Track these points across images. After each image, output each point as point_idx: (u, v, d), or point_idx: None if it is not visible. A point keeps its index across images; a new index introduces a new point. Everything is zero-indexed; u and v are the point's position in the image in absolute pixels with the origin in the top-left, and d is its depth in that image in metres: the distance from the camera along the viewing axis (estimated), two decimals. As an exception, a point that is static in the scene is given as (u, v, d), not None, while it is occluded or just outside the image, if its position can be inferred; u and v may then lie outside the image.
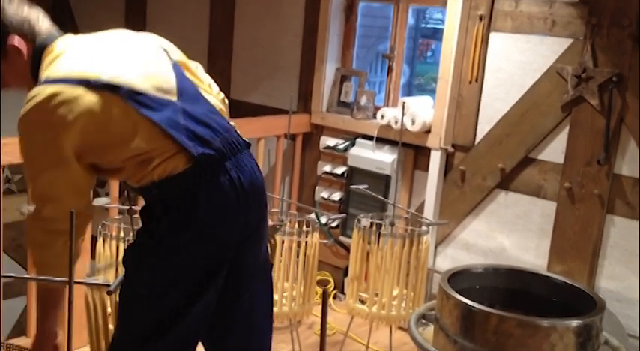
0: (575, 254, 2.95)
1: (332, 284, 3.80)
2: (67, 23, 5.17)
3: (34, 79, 1.69)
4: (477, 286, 2.49)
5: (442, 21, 3.43)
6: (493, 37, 3.12)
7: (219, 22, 4.27)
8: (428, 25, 5.12)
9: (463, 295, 2.27)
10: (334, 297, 3.76)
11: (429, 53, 5.37)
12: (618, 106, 2.77)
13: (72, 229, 1.19)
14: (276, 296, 2.87)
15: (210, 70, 4.07)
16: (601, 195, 2.86)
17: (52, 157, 1.61)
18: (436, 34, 4.86)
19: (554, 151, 3.00)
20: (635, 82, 2.73)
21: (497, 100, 3.14)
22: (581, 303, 2.37)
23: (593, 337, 2.24)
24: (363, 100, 3.66)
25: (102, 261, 2.56)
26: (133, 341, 1.76)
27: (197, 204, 1.67)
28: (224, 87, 4.31)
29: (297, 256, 2.88)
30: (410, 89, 4.30)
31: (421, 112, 3.31)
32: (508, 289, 2.52)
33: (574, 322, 2.19)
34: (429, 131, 3.32)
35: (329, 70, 3.79)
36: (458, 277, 2.44)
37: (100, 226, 2.58)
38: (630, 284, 2.85)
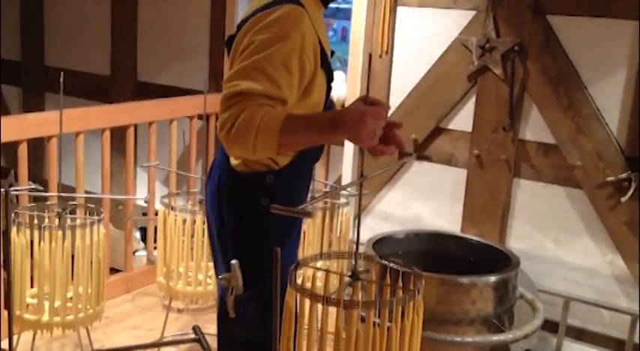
0: (486, 217, 3.10)
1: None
2: None
3: None
4: (400, 252, 2.58)
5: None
6: (400, 11, 3.20)
7: (121, 1, 4.14)
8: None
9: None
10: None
11: (330, 32, 5.42)
12: (520, 74, 2.92)
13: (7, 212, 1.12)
14: (200, 276, 2.85)
15: (115, 52, 3.97)
16: (508, 160, 3.01)
17: None
18: (337, 14, 4.91)
19: (463, 120, 3.12)
20: (535, 51, 2.88)
21: (407, 72, 3.23)
22: (497, 261, 2.50)
23: (510, 292, 2.38)
24: (275, 78, 3.65)
25: (17, 250, 2.46)
26: None
27: None
28: (131, 69, 4.23)
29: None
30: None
31: (334, 87, 3.35)
32: (429, 252, 2.63)
33: (492, 278, 2.31)
34: (342, 106, 3.37)
35: (239, 49, 3.75)
36: (381, 244, 2.52)
37: (12, 215, 2.47)
38: (537, 243, 3.03)
